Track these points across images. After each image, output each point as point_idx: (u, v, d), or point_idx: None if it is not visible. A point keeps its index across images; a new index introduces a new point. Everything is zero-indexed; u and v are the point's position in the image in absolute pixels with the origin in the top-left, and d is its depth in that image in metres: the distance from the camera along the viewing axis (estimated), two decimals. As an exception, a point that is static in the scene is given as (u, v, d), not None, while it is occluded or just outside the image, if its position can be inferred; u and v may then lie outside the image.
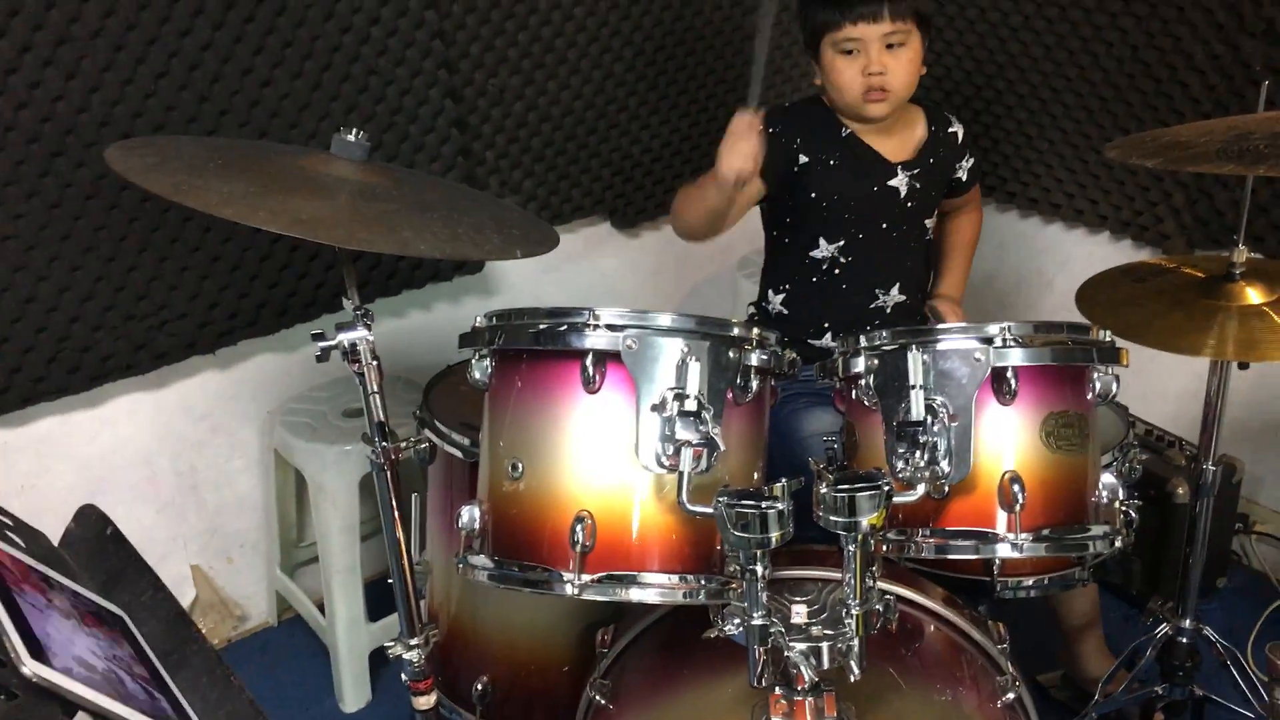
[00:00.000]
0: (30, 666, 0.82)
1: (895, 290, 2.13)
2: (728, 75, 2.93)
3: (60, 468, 2.26)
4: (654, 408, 1.34)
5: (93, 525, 1.20)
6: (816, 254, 2.11)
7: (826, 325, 2.14)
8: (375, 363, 1.47)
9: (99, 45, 1.96)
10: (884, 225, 2.11)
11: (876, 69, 1.97)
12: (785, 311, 2.19)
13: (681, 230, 2.06)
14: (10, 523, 1.15)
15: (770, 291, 2.21)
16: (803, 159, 2.06)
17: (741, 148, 1.78)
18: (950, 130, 2.19)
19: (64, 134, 1.98)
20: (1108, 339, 1.54)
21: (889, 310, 2.14)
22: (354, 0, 2.22)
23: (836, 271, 2.12)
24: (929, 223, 2.18)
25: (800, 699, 1.28)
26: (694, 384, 1.34)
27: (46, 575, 1.05)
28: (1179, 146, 1.55)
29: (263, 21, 2.12)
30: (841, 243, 2.10)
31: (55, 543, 1.21)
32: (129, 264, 2.13)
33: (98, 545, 1.18)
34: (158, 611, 1.10)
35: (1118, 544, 1.54)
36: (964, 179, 2.22)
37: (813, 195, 2.07)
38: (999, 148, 2.87)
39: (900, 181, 2.09)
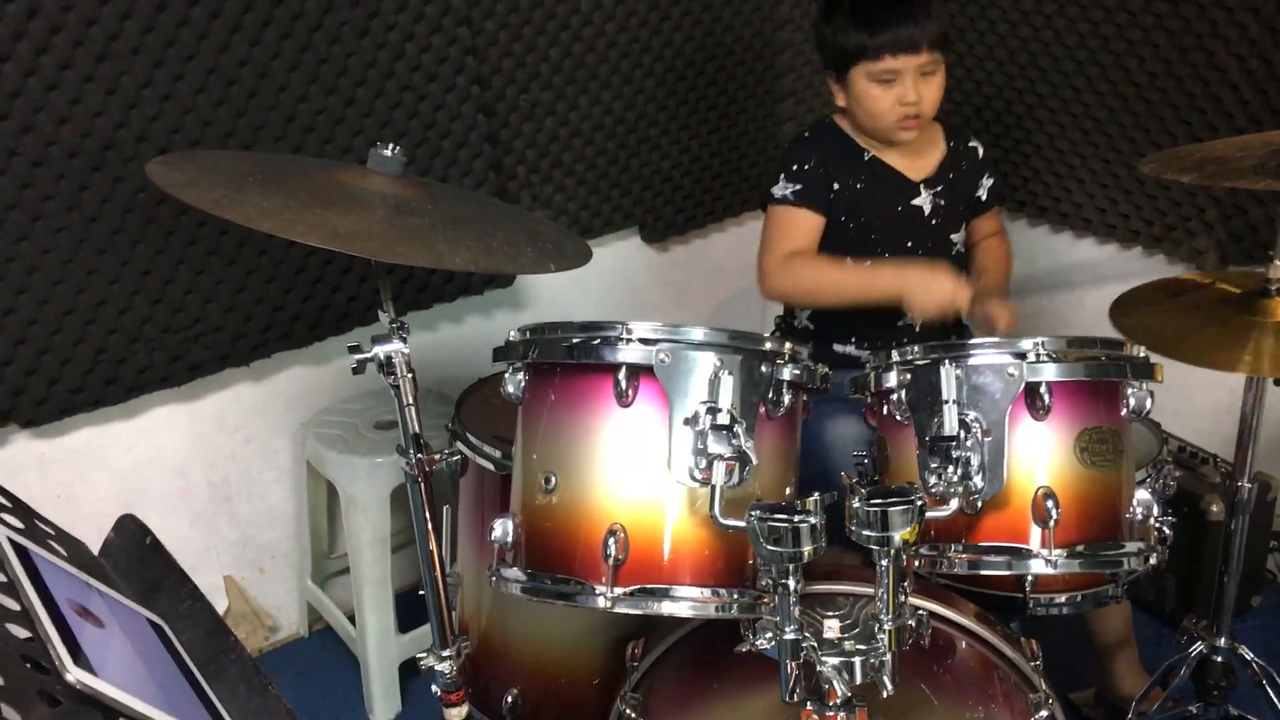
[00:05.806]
0: (74, 673, 0.83)
1: None
2: (757, 90, 2.94)
3: (96, 478, 2.28)
4: (686, 421, 1.34)
5: (133, 535, 1.21)
6: None
7: (853, 338, 2.15)
8: (410, 375, 1.49)
9: (138, 62, 1.99)
10: (909, 244, 2.11)
11: (913, 98, 1.97)
12: (811, 326, 2.20)
13: (785, 295, 2.13)
14: (51, 531, 1.16)
15: (797, 307, 2.21)
16: (835, 186, 2.07)
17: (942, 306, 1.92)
18: (970, 145, 2.19)
19: (103, 149, 2.01)
20: (1141, 355, 1.53)
21: (917, 328, 2.14)
22: (388, 17, 2.24)
23: None
24: (956, 238, 2.17)
25: (832, 714, 1.28)
26: (726, 398, 1.34)
27: (88, 583, 1.07)
28: (1215, 162, 1.55)
29: (298, 38, 2.15)
30: (868, 262, 2.10)
31: (94, 552, 1.23)
32: (165, 277, 2.16)
33: (138, 554, 1.19)
34: (196, 621, 1.11)
35: (1152, 560, 1.52)
36: (984, 198, 2.22)
37: (842, 219, 2.09)
38: (1030, 162, 2.86)
39: (924, 200, 2.10)
